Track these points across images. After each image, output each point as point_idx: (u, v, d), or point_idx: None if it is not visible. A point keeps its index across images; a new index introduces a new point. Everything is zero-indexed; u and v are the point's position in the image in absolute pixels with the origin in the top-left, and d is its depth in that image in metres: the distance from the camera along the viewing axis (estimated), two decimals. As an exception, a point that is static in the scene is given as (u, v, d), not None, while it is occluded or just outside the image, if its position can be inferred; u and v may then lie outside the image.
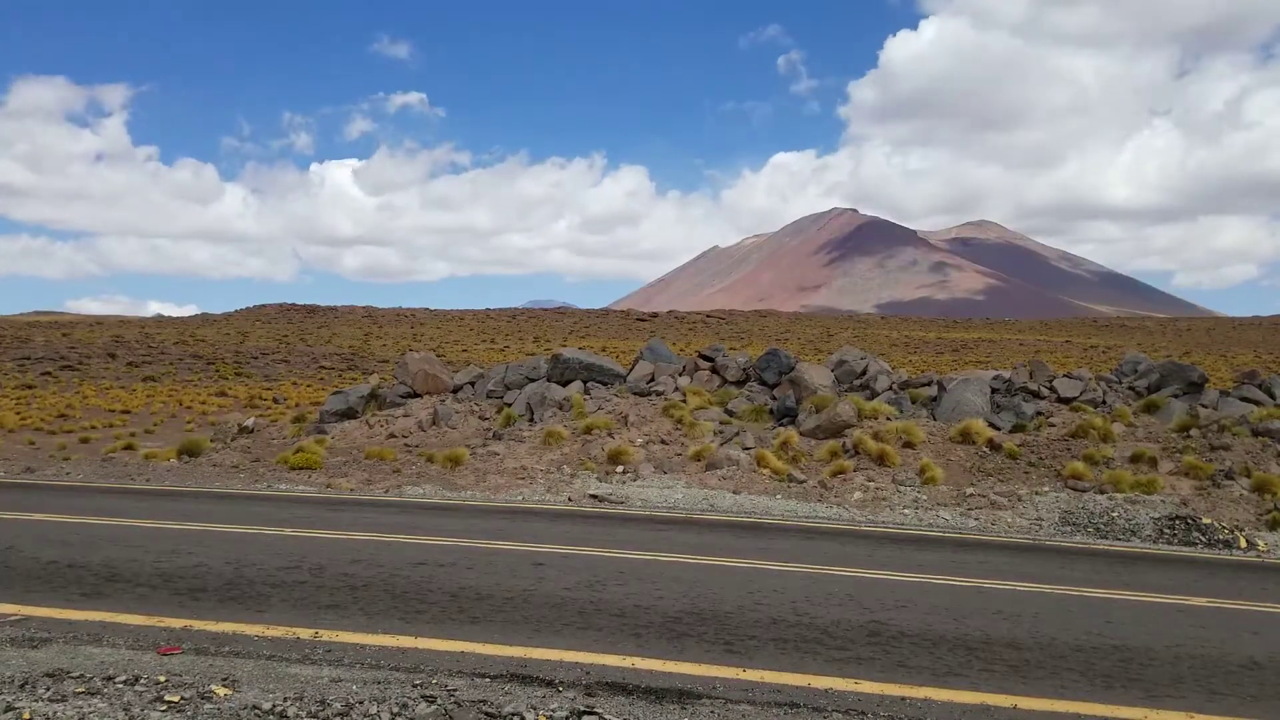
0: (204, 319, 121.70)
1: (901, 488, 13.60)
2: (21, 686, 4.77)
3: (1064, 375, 18.22)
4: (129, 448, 20.36)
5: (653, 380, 19.30)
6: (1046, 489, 13.41)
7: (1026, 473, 14.16)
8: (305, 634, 5.98)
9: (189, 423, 30.52)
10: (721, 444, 15.74)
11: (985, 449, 15.04)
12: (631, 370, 20.05)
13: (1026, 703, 5.17)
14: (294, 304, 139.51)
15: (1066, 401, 17.09)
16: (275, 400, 39.34)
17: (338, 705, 4.63)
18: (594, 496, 13.20)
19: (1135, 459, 14.21)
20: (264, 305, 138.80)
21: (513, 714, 4.60)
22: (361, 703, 4.68)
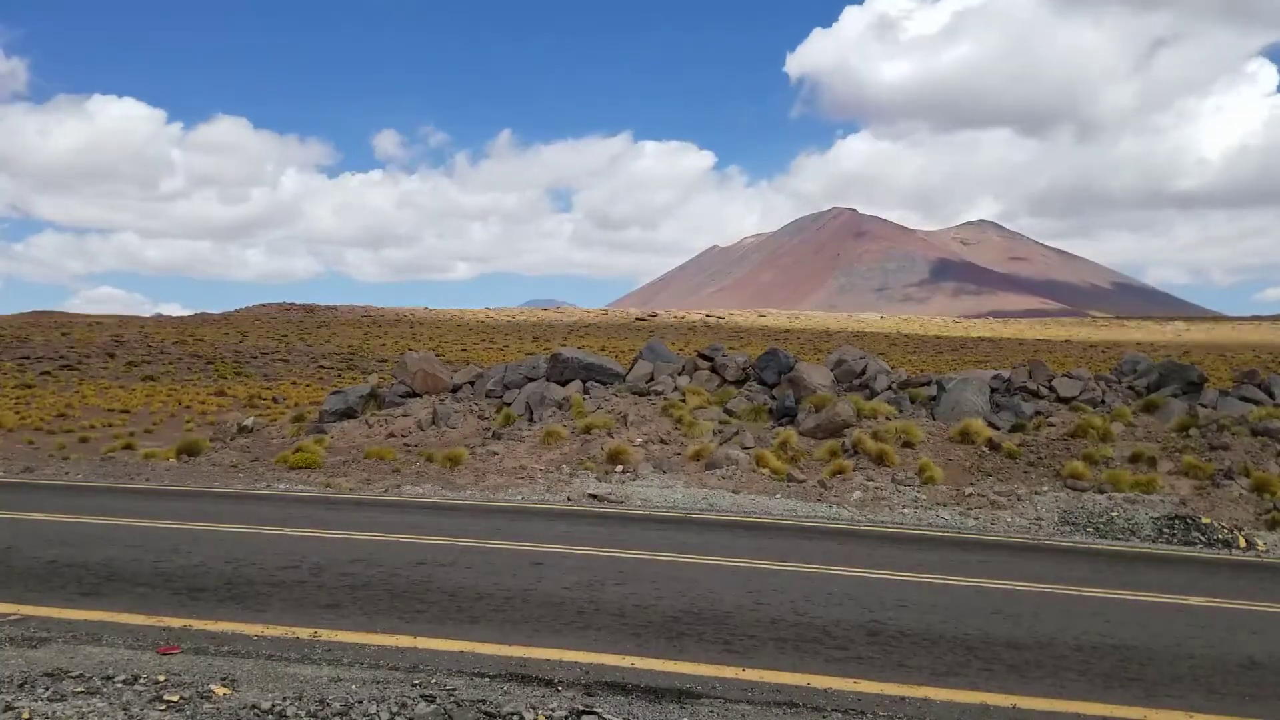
0: (203, 318, 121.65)
1: (901, 487, 13.60)
2: (21, 686, 4.77)
3: (1063, 375, 18.23)
4: (128, 447, 20.34)
5: (652, 380, 19.30)
6: (1046, 488, 13.42)
7: (1026, 472, 14.17)
8: (304, 633, 5.98)
9: (188, 422, 30.50)
10: (721, 443, 15.74)
11: (984, 448, 15.04)
12: (631, 370, 20.05)
13: (1026, 702, 5.17)
14: (293, 303, 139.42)
15: (1066, 401, 17.10)
16: (274, 400, 39.34)
17: (337, 705, 4.63)
18: (593, 496, 13.20)
19: (1134, 459, 14.21)
20: (263, 305, 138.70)
21: (512, 713, 4.60)
22: (360, 702, 4.68)
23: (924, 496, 13.20)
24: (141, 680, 4.90)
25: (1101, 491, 13.13)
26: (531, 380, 19.53)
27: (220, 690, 4.79)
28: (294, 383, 51.63)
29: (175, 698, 4.66)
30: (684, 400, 17.92)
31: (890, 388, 18.22)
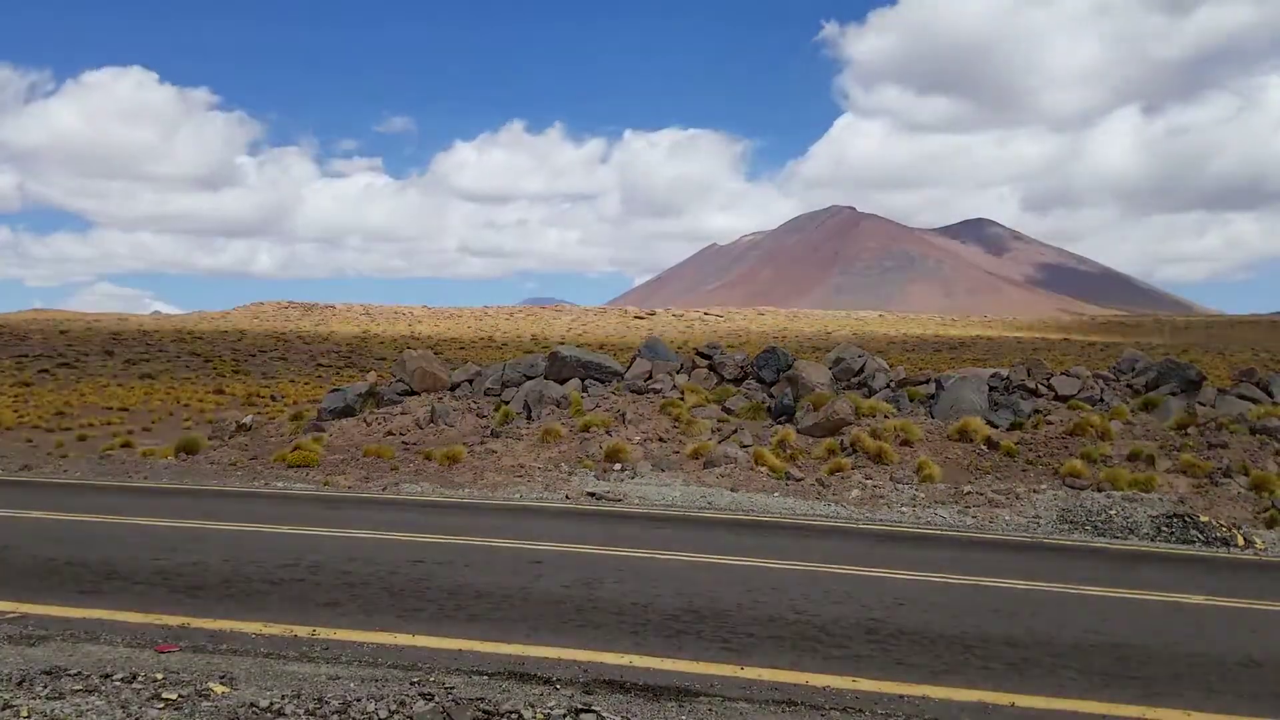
0: (201, 316, 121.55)
1: (899, 485, 13.61)
2: (19, 684, 4.76)
3: (1061, 373, 18.23)
4: (127, 445, 20.32)
5: (650, 378, 19.29)
6: (1044, 487, 13.42)
7: (1024, 471, 14.17)
8: (303, 632, 5.97)
9: (187, 420, 30.47)
10: (719, 442, 15.74)
11: (983, 447, 15.05)
12: (629, 368, 20.04)
13: (1024, 700, 5.17)
14: (291, 301, 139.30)
15: (1064, 399, 17.10)
16: (273, 398, 39.30)
17: (335, 703, 4.62)
18: (591, 494, 13.20)
19: (1133, 457, 14.22)
20: (261, 303, 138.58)
21: (510, 712, 4.60)
22: (359, 700, 4.68)
23: (922, 495, 13.20)
24: (140, 678, 4.90)
25: (1100, 490, 13.14)
26: (530, 378, 19.52)
27: (218, 688, 4.79)
28: (292, 381, 51.61)
29: (173, 696, 4.65)
30: (682, 398, 17.91)
31: (889, 386, 18.23)
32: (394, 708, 4.59)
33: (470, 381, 20.35)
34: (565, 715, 4.60)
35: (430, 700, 4.71)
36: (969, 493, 13.17)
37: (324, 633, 5.96)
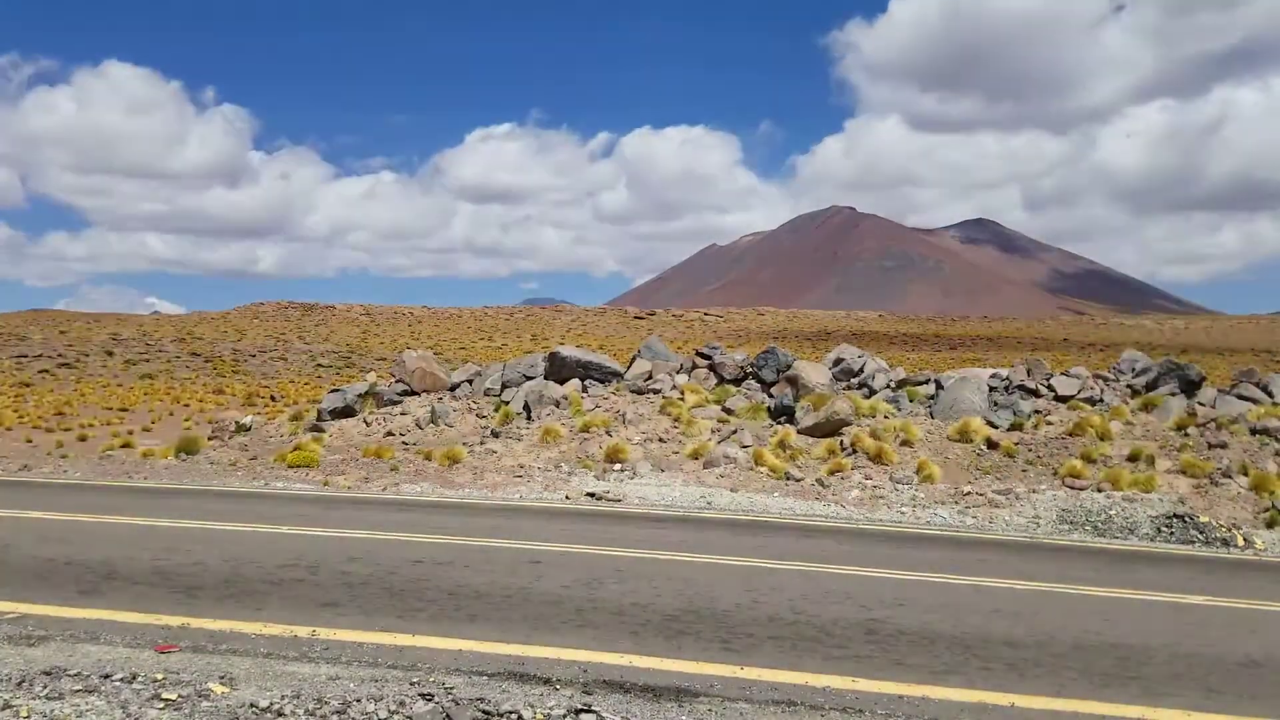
0: (200, 316, 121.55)
1: (899, 486, 13.61)
2: (19, 684, 4.76)
3: (1061, 373, 18.24)
4: (126, 445, 20.33)
5: (650, 378, 19.30)
6: (1044, 487, 13.42)
7: (1024, 471, 14.18)
8: (303, 632, 5.97)
9: (186, 420, 30.49)
10: (719, 442, 15.74)
11: (982, 447, 15.05)
12: (629, 368, 20.05)
13: (1024, 701, 5.17)
14: (291, 301, 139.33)
15: (1064, 400, 17.11)
16: (273, 398, 39.32)
17: (335, 703, 4.62)
18: (591, 494, 13.20)
19: (1133, 457, 14.22)
20: (261, 303, 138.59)
21: (510, 712, 4.60)
22: (359, 700, 4.68)
23: (922, 495, 13.20)
24: (140, 678, 4.90)
25: (1100, 490, 13.14)
26: (530, 379, 19.53)
27: (218, 688, 4.79)
28: (292, 381, 51.65)
29: (173, 696, 4.65)
30: (682, 398, 17.92)
31: (888, 386, 18.23)
32: (394, 708, 4.59)
33: (470, 381, 20.36)
34: (565, 715, 4.60)
35: (430, 700, 4.71)
36: (969, 493, 13.17)
37: (324, 633, 5.96)
